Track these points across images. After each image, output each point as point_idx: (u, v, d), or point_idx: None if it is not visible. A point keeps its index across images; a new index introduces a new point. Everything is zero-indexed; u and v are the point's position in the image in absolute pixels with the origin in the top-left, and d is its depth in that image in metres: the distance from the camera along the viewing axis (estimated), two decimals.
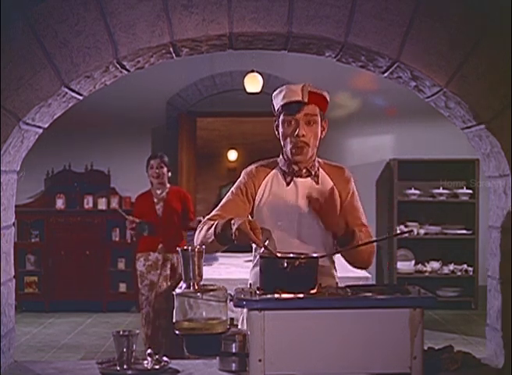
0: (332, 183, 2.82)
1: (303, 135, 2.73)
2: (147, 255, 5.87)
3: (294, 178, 2.83)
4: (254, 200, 2.85)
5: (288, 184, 2.82)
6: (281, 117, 2.78)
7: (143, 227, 5.75)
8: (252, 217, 2.83)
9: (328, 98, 2.81)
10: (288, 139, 2.77)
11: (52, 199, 8.58)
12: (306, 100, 2.72)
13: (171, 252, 5.82)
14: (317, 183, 2.82)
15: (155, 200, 5.93)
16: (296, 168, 2.82)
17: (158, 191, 5.94)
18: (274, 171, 2.87)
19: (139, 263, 5.90)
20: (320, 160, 2.91)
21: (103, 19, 2.49)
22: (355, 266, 2.89)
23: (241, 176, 2.91)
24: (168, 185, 5.97)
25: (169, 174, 5.98)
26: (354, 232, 2.68)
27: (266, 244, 2.67)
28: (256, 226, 2.52)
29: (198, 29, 2.51)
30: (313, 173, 2.83)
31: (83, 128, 8.69)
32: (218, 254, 5.90)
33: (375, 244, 2.82)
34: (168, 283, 5.88)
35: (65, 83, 2.52)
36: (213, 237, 2.66)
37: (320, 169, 2.86)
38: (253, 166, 2.92)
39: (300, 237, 2.76)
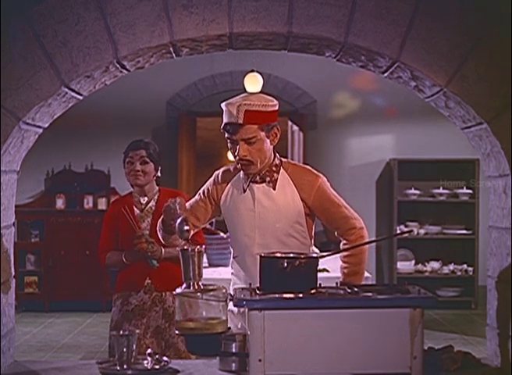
0: (292, 187, 2.85)
1: (244, 155, 2.77)
2: (127, 295, 3.71)
3: (251, 184, 2.87)
4: (216, 204, 2.96)
5: (244, 191, 2.88)
6: (225, 135, 2.82)
7: (153, 263, 3.68)
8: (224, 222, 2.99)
9: (272, 109, 2.79)
10: (234, 156, 2.83)
11: (52, 199, 8.58)
12: (241, 122, 2.73)
13: (164, 290, 3.70)
14: (273, 188, 2.85)
15: (137, 213, 3.77)
16: (250, 175, 2.87)
17: (143, 200, 3.79)
18: (236, 176, 2.94)
19: (114, 309, 3.75)
20: (284, 160, 2.94)
21: (103, 19, 2.49)
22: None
23: (211, 178, 3.01)
24: (156, 188, 3.83)
25: (159, 173, 3.84)
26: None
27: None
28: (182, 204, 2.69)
29: (198, 29, 2.50)
30: (267, 179, 2.86)
31: (83, 128, 8.69)
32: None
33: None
34: (162, 344, 3.65)
35: (65, 83, 2.52)
36: (161, 231, 2.89)
37: (281, 172, 2.88)
38: (220, 170, 3.01)
39: (257, 240, 2.82)
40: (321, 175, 2.91)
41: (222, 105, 2.81)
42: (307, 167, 2.97)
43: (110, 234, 3.82)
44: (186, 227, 2.50)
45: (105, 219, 3.90)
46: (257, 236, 2.83)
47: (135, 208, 3.78)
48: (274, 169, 2.88)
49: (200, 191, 3.02)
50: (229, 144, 2.83)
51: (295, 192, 2.84)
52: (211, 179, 3.01)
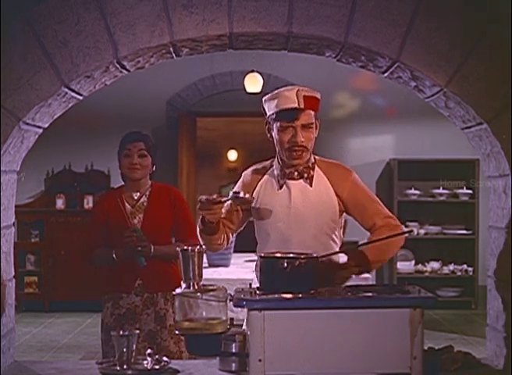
0: (327, 184, 2.83)
1: (302, 141, 2.75)
2: (118, 298, 3.55)
3: (287, 181, 2.84)
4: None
5: (281, 187, 2.84)
6: (276, 124, 2.78)
7: (140, 260, 3.48)
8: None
9: (320, 98, 2.81)
10: (286, 145, 2.77)
11: (52, 199, 8.58)
12: (302, 106, 2.73)
13: (156, 291, 3.54)
14: (310, 185, 2.83)
15: (129, 208, 3.58)
16: (287, 171, 2.83)
17: (135, 195, 3.61)
18: (267, 174, 2.90)
19: (105, 311, 3.59)
20: (317, 158, 2.91)
21: (103, 19, 2.49)
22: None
23: (239, 180, 2.98)
24: (149, 183, 3.65)
25: (154, 168, 3.67)
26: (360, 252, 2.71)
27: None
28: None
29: (198, 29, 2.51)
30: (305, 175, 2.83)
31: (83, 128, 8.69)
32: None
33: (399, 239, 2.78)
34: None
35: (65, 83, 2.52)
36: (199, 231, 2.83)
37: (316, 169, 2.85)
38: (249, 170, 2.97)
39: (293, 238, 2.78)
40: (352, 169, 2.89)
41: (274, 94, 2.78)
42: (338, 162, 2.94)
43: (100, 229, 3.61)
44: (241, 194, 2.70)
45: (95, 214, 3.68)
46: (293, 233, 2.78)
47: (126, 204, 3.59)
48: (310, 165, 2.85)
49: None
50: (276, 136, 2.79)
51: (330, 189, 2.81)
52: (240, 180, 2.96)
